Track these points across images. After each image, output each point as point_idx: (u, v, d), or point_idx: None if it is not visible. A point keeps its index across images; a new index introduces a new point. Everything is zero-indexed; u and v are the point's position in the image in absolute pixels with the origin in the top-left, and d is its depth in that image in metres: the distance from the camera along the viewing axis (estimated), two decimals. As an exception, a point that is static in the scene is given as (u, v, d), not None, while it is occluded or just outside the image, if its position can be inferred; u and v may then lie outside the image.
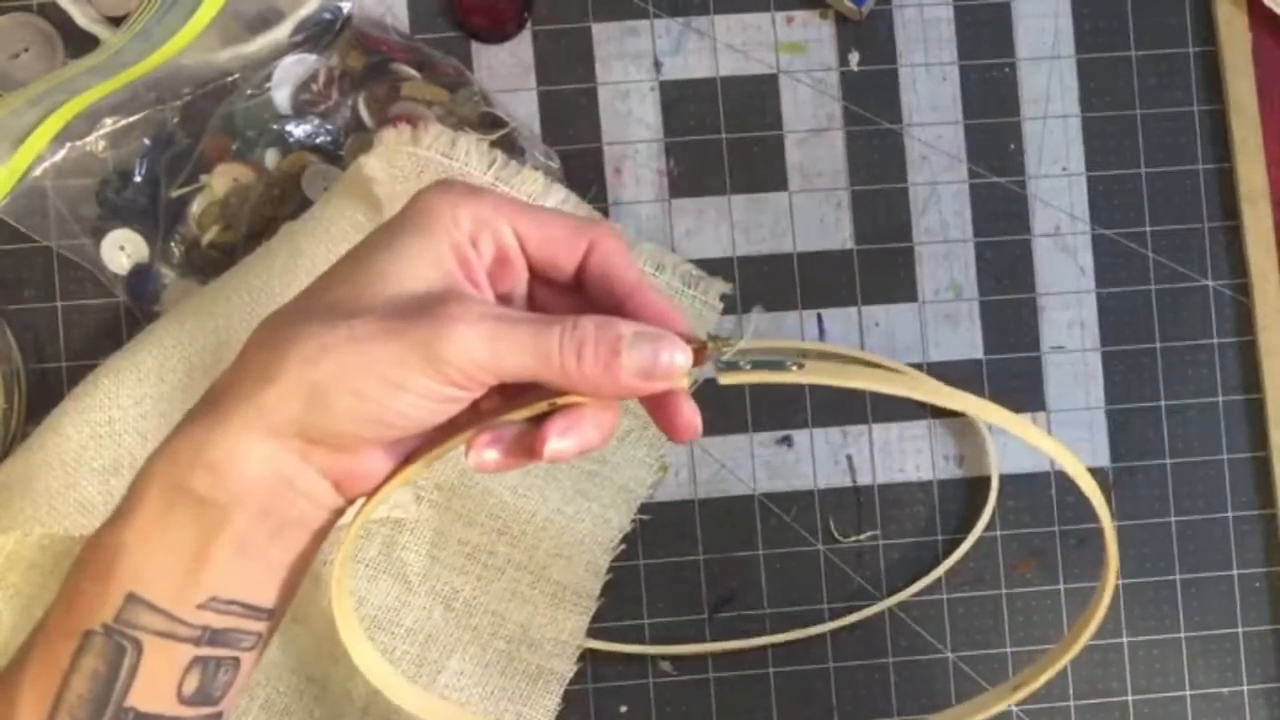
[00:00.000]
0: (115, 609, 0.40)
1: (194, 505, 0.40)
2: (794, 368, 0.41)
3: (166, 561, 0.40)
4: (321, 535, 0.42)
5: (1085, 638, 0.54)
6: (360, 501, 0.43)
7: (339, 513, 0.42)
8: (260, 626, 0.42)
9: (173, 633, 0.40)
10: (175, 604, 0.40)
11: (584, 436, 0.41)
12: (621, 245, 0.43)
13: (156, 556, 0.40)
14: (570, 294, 0.43)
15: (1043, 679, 0.56)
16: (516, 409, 0.41)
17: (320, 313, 0.40)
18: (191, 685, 0.41)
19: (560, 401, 0.41)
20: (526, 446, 0.41)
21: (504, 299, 0.43)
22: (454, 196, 0.41)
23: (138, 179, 0.67)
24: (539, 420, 0.41)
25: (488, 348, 0.38)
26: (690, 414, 0.42)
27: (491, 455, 0.41)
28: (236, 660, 0.42)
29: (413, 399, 0.39)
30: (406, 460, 0.42)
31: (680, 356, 0.40)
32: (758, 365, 0.41)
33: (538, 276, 0.43)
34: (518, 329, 0.39)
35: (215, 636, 0.41)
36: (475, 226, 0.41)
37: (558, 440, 0.40)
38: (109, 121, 0.66)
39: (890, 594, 0.69)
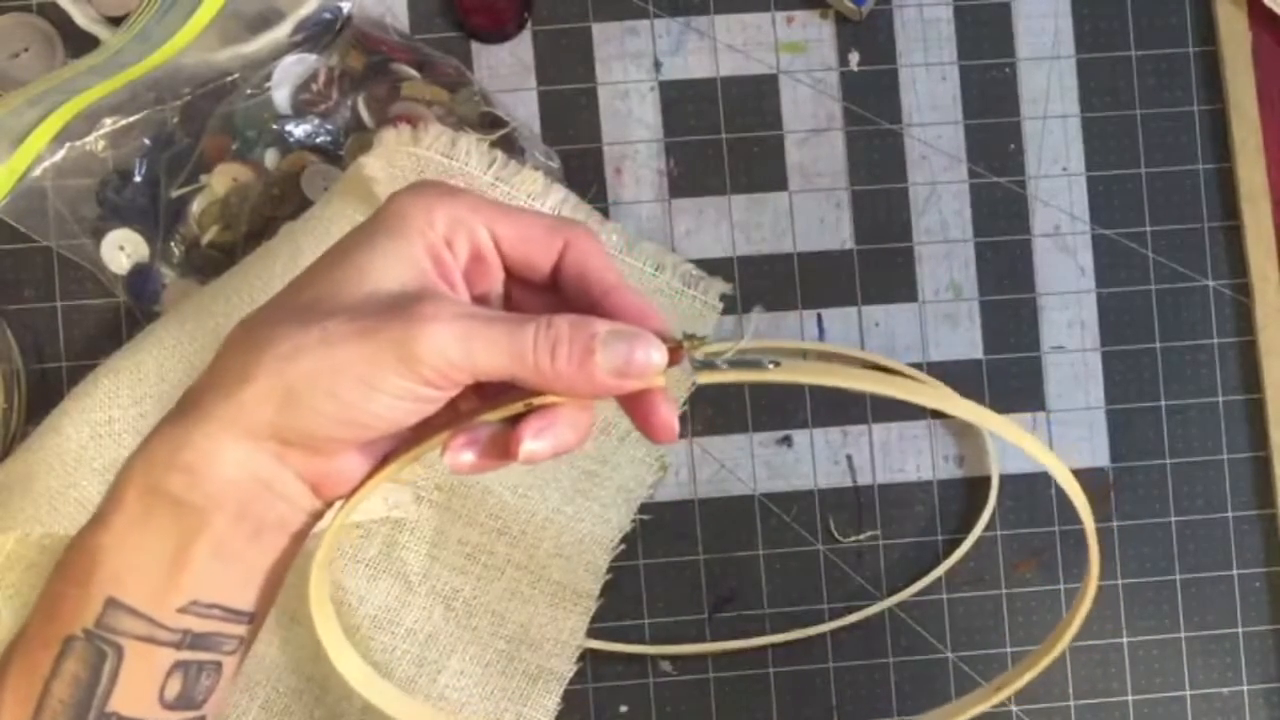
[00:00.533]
0: (95, 614, 0.40)
1: (171, 508, 0.39)
2: (770, 366, 0.41)
3: (145, 565, 0.40)
4: (300, 538, 0.42)
5: (1065, 641, 0.54)
6: (338, 504, 0.43)
7: (317, 515, 0.42)
8: (241, 630, 0.42)
9: (153, 637, 0.40)
10: (155, 608, 0.40)
11: (559, 437, 0.40)
12: (597, 245, 0.43)
13: (135, 560, 0.40)
14: (547, 294, 0.43)
15: (1023, 680, 0.56)
16: (493, 409, 0.41)
17: (295, 314, 0.39)
18: (173, 690, 0.41)
19: (536, 402, 0.40)
20: (502, 447, 0.40)
21: (480, 300, 0.43)
22: (429, 198, 0.41)
23: (138, 179, 0.67)
24: (515, 421, 0.41)
25: (462, 346, 0.38)
26: (667, 414, 0.41)
27: (467, 457, 0.41)
28: (218, 664, 0.42)
29: (387, 399, 0.39)
30: (384, 462, 0.42)
31: (655, 355, 0.39)
32: (734, 364, 0.41)
33: (514, 277, 0.43)
34: (492, 327, 0.39)
35: (196, 640, 0.41)
36: (450, 227, 0.41)
37: (532, 441, 0.40)
38: (109, 121, 0.66)
39: (890, 594, 0.69)
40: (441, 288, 0.41)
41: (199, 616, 0.40)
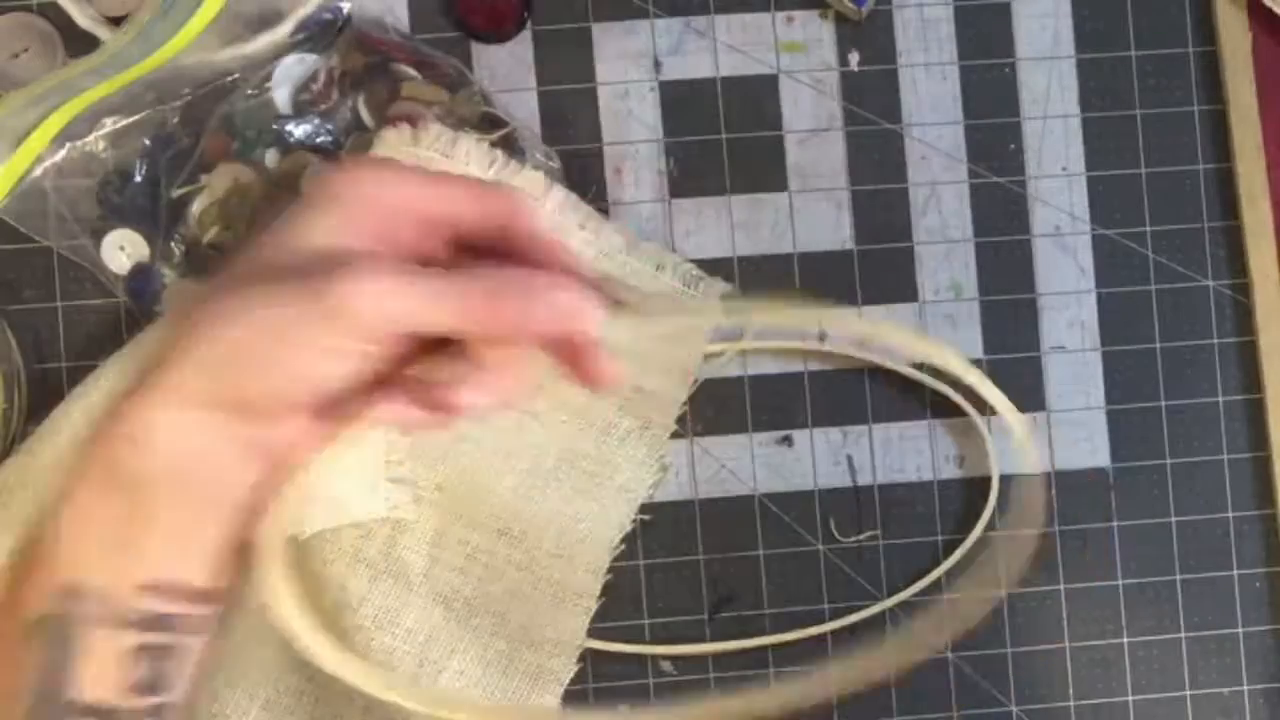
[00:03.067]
0: (54, 599, 0.39)
1: (122, 484, 0.39)
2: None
3: (100, 545, 0.39)
4: (246, 511, 0.42)
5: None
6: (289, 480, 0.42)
7: (261, 488, 0.42)
8: (203, 610, 0.41)
9: (112, 619, 0.40)
10: (112, 589, 0.40)
11: (501, 388, 0.41)
12: (533, 208, 0.43)
13: (90, 540, 0.40)
14: (482, 259, 0.43)
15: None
16: (437, 367, 0.41)
17: (225, 284, 0.40)
18: (138, 673, 0.40)
19: (476, 356, 0.41)
20: (445, 403, 0.41)
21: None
22: (358, 169, 0.42)
23: (138, 179, 0.67)
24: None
25: (391, 298, 0.38)
26: (604, 361, 0.42)
27: (409, 414, 0.41)
28: (184, 647, 0.41)
29: (313, 355, 0.39)
30: (330, 427, 0.42)
31: (589, 302, 0.40)
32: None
33: (449, 242, 0.43)
34: (422, 279, 0.39)
35: (157, 621, 0.40)
36: (381, 194, 0.41)
37: (474, 393, 0.41)
38: (109, 121, 0.66)
39: (890, 594, 0.69)
40: (373, 247, 0.41)
41: (157, 596, 0.40)
